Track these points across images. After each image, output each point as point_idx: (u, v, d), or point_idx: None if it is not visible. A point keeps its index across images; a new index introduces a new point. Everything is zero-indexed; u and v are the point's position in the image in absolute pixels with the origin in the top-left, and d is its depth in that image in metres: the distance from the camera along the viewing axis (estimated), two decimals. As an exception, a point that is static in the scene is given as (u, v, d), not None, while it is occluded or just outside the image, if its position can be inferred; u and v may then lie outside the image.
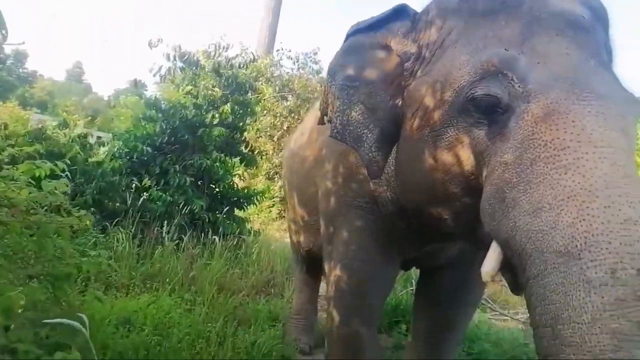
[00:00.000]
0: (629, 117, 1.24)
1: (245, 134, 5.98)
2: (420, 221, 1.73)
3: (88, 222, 2.02)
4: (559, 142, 1.14)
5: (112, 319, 2.75)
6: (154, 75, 5.29)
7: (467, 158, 1.37)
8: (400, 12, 1.71)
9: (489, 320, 4.21)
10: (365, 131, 1.69)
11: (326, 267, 2.24)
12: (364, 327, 2.08)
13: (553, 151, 1.15)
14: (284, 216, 9.86)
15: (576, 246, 1.03)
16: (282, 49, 12.44)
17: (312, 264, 3.36)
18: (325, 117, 1.85)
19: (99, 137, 7.81)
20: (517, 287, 1.34)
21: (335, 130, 1.73)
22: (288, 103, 11.55)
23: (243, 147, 5.74)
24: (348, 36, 1.79)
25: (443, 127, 1.41)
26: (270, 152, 10.79)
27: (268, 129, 11.17)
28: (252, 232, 5.43)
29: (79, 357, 1.33)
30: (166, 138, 5.09)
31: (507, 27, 1.37)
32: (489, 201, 1.27)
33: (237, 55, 5.59)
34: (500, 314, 4.58)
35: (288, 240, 6.85)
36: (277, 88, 11.03)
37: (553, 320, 1.05)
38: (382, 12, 1.74)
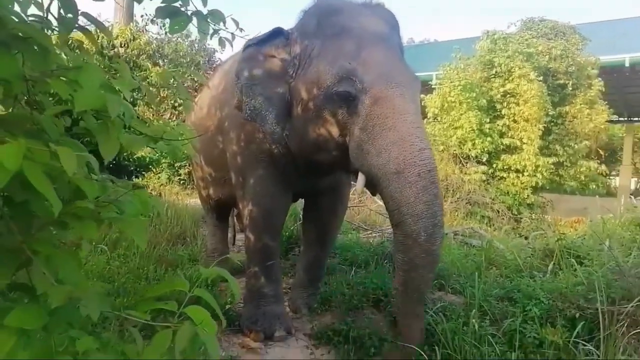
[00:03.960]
0: (416, 90, 2.27)
1: (136, 108, 6.33)
2: (311, 165, 2.65)
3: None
4: (384, 114, 2.11)
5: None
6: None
7: (337, 126, 2.29)
8: (279, 32, 2.57)
9: (362, 238, 5.41)
10: (266, 113, 2.52)
11: (241, 205, 3.06)
12: (271, 241, 2.96)
13: (381, 120, 2.11)
14: (173, 180, 10.27)
15: (400, 167, 2.04)
16: (146, 14, 12.18)
17: (220, 212, 4.19)
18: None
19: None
20: (374, 192, 2.42)
21: (247, 115, 2.54)
22: (160, 69, 11.54)
23: (133, 120, 6.11)
24: (245, 48, 2.56)
25: (321, 108, 2.31)
26: (152, 119, 10.85)
27: (145, 97, 11.14)
28: (153, 195, 5.97)
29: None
30: (56, 119, 5.31)
31: (347, 45, 2.27)
32: (354, 151, 2.22)
33: (117, 35, 5.83)
34: (371, 231, 5.87)
35: (187, 201, 7.44)
36: (149, 54, 10.96)
37: (397, 206, 2.06)
38: (266, 32, 2.56)
